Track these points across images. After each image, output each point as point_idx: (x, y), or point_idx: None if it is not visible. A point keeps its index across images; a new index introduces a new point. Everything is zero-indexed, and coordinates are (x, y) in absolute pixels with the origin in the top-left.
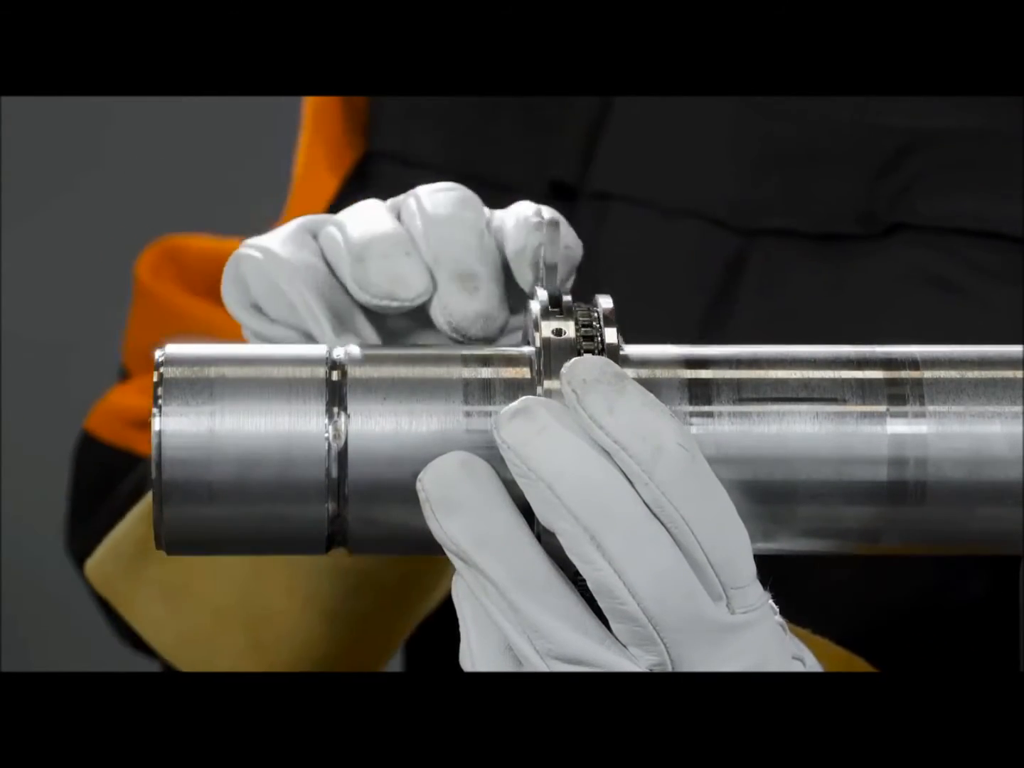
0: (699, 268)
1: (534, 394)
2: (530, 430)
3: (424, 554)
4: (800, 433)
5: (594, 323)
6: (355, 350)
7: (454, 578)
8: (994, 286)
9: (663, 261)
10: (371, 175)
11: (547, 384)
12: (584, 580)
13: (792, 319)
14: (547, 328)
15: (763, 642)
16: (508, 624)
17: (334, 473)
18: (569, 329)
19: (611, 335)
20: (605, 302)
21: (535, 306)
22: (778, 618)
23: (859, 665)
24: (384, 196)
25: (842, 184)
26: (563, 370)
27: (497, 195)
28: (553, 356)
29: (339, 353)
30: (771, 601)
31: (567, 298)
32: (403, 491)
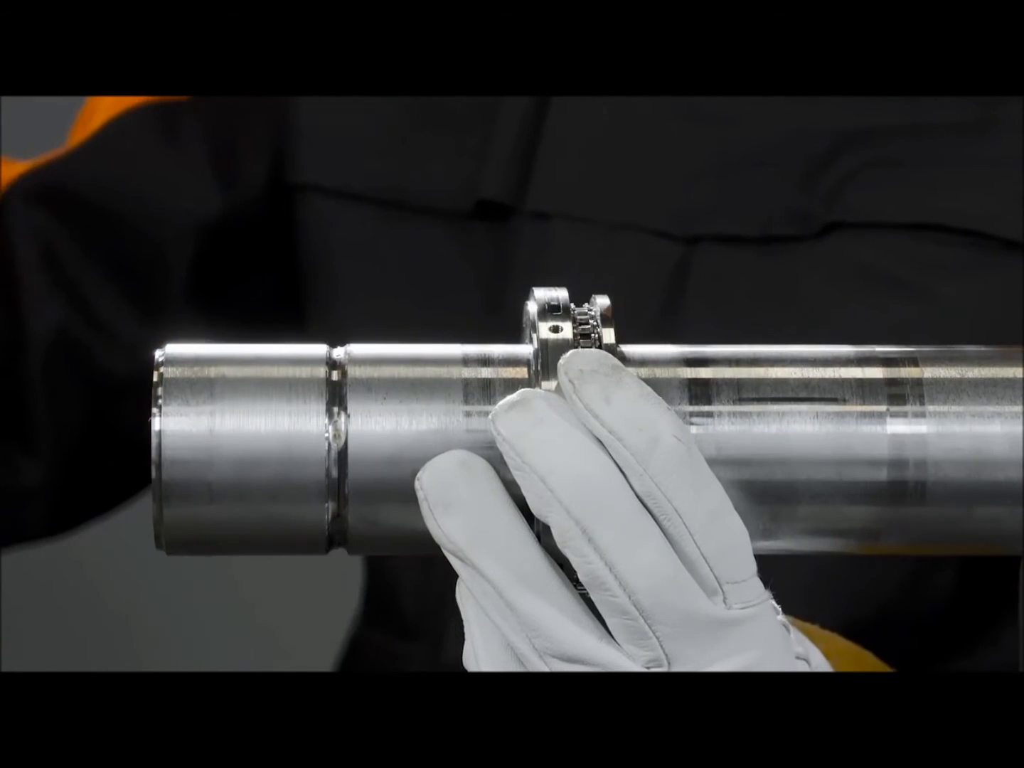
0: (644, 280)
1: None
2: (526, 422)
3: (425, 554)
4: (800, 433)
5: (591, 321)
6: (355, 349)
7: (457, 581)
8: (938, 278)
9: (608, 276)
10: (296, 210)
11: (545, 384)
12: (584, 588)
13: (739, 324)
14: (544, 328)
15: (762, 639)
16: (505, 623)
17: (334, 473)
18: (566, 328)
19: (609, 334)
20: (603, 301)
21: (532, 306)
22: (781, 617)
23: (869, 660)
24: (312, 230)
25: (777, 186)
26: (560, 362)
27: (421, 219)
28: (551, 355)
29: (339, 353)
30: (772, 600)
31: (565, 298)
32: (403, 491)
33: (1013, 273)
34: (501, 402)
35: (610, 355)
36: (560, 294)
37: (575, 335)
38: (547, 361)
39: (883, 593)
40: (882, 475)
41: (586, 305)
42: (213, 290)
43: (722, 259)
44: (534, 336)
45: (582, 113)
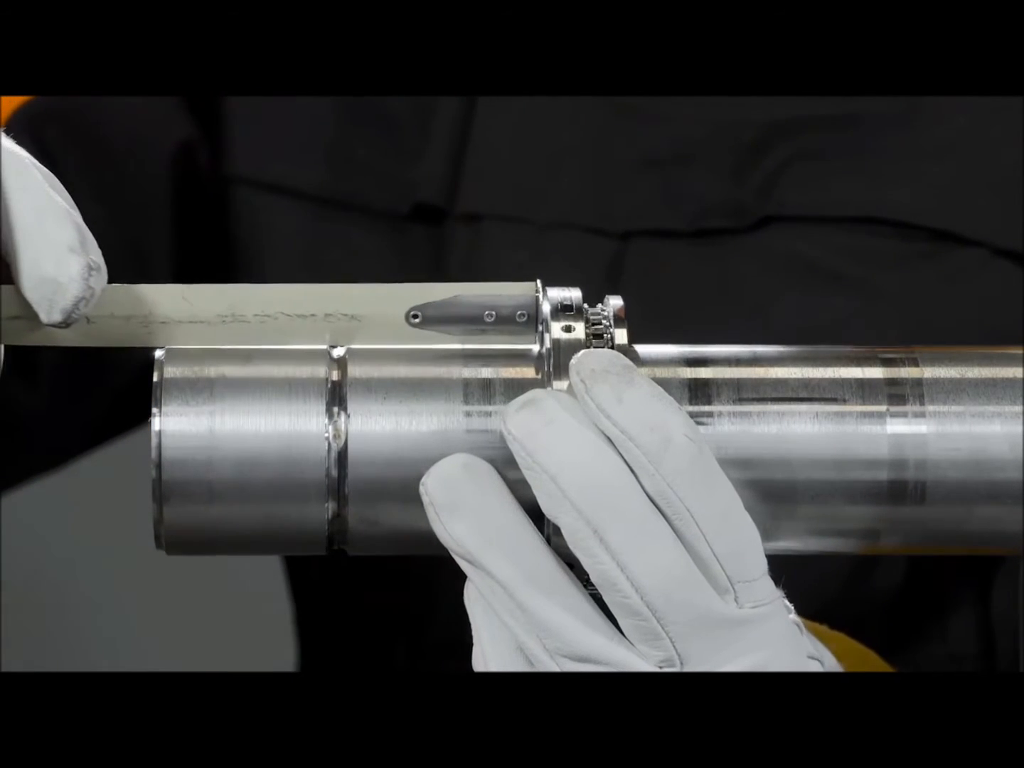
0: (578, 277)
1: None
2: (537, 422)
3: (425, 553)
4: (800, 433)
5: (604, 322)
6: (355, 349)
7: (466, 583)
8: (870, 270)
9: (541, 274)
10: (229, 202)
11: (557, 383)
12: (595, 588)
13: (676, 319)
14: (557, 327)
15: (774, 638)
16: (516, 624)
17: (334, 473)
18: (579, 328)
19: (621, 335)
20: (615, 302)
21: (546, 306)
22: (793, 616)
23: (874, 660)
24: (242, 223)
25: (709, 180)
26: (572, 361)
27: (361, 219)
28: (563, 355)
29: (339, 352)
30: (785, 599)
31: (578, 298)
32: (403, 491)
33: (943, 263)
34: (512, 402)
35: (622, 355)
36: (573, 294)
37: (588, 335)
38: (559, 361)
39: (827, 589)
40: (882, 475)
41: (599, 305)
42: (191, 241)
43: (656, 254)
44: (546, 336)
45: (510, 113)
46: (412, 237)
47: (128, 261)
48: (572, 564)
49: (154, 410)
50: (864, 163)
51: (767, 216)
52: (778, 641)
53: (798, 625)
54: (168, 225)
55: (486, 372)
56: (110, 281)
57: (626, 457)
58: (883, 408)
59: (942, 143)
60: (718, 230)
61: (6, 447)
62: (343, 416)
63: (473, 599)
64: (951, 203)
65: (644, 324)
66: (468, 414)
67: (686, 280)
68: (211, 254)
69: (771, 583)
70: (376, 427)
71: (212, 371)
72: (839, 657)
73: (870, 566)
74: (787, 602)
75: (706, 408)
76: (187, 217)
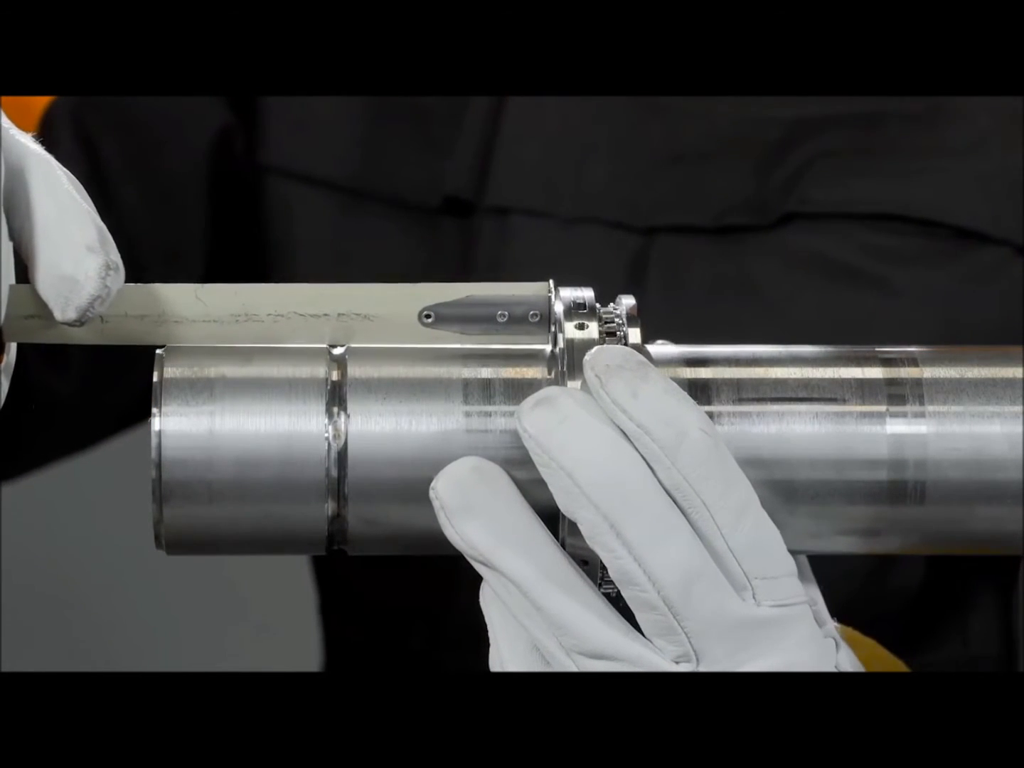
0: (603, 271)
1: (533, 392)
2: (552, 419)
3: (425, 554)
4: (800, 433)
5: (616, 320)
6: (355, 349)
7: (481, 585)
8: (893, 268)
9: (567, 268)
10: (262, 191)
11: (571, 382)
12: (609, 588)
13: (698, 314)
14: (570, 326)
15: (794, 643)
16: (532, 623)
17: (334, 473)
18: (592, 327)
19: (634, 334)
20: (628, 301)
21: (558, 306)
22: (830, 626)
23: (901, 669)
24: (273, 212)
25: (733, 177)
26: (587, 357)
27: (391, 211)
28: (576, 353)
29: (339, 352)
30: (821, 607)
31: (591, 297)
32: (403, 491)
33: (967, 261)
34: (526, 399)
35: (635, 351)
36: (586, 293)
37: (601, 333)
38: (572, 359)
39: (845, 588)
40: (882, 475)
41: (612, 304)
42: (225, 227)
43: (679, 250)
44: (559, 335)
45: (539, 109)
46: (441, 229)
47: (162, 246)
48: (585, 562)
49: (154, 410)
50: (887, 162)
51: (790, 213)
52: (797, 646)
53: (836, 640)
54: (203, 211)
55: (485, 372)
56: (144, 266)
57: (642, 451)
58: (883, 408)
59: (965, 142)
60: (741, 227)
61: (35, 430)
62: (343, 416)
63: (489, 601)
64: (975, 201)
65: (666, 319)
66: (468, 414)
67: (709, 275)
68: (243, 242)
69: (797, 584)
70: (376, 427)
71: (212, 371)
72: (867, 664)
73: (888, 565)
74: (827, 612)
75: (706, 408)
76: (221, 204)
